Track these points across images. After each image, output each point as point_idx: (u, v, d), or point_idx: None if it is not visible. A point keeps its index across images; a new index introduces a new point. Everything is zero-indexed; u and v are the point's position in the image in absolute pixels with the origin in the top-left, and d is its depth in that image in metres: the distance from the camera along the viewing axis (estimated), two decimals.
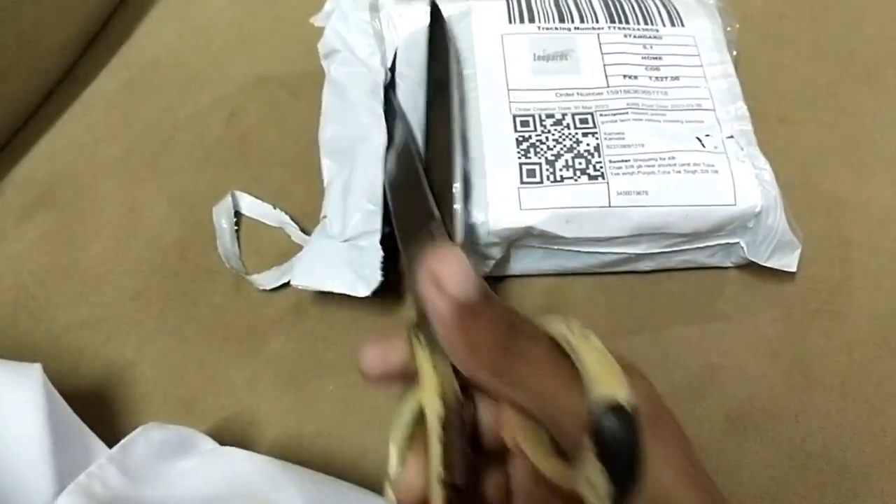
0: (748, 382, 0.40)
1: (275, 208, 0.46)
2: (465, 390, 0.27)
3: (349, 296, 0.43)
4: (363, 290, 0.40)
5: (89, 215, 0.47)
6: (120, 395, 0.41)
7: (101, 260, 0.45)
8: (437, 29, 0.46)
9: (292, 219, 0.45)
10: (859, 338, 0.42)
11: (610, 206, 0.40)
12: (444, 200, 0.38)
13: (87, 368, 0.42)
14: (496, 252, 0.42)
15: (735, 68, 0.46)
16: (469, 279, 0.24)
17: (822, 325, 0.42)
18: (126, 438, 0.32)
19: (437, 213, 0.36)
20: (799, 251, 0.42)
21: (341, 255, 0.41)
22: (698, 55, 0.45)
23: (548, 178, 0.41)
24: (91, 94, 0.52)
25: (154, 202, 0.47)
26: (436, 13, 0.46)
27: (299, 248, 0.44)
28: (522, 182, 0.41)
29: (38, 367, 0.34)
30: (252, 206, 0.46)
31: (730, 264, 0.43)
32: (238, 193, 0.46)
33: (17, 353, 0.41)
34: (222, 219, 0.45)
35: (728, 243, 0.42)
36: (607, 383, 0.23)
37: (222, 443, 0.36)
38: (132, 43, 0.55)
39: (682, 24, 0.46)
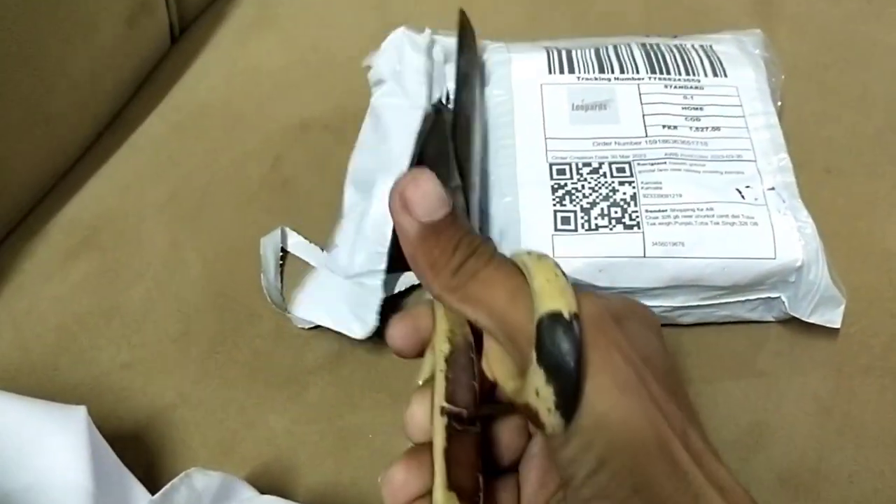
0: (798, 441, 0.39)
1: (322, 250, 0.46)
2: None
3: (385, 345, 0.43)
4: (359, 332, 0.40)
5: (133, 257, 0.47)
6: (159, 438, 0.41)
7: (143, 301, 0.45)
8: (465, 40, 0.46)
9: None
10: None
11: (645, 257, 0.40)
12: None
13: (127, 410, 0.42)
14: None
15: (780, 118, 0.46)
16: (434, 202, 0.27)
17: (874, 381, 0.41)
18: (169, 485, 0.32)
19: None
20: (843, 307, 0.41)
21: (343, 291, 0.41)
22: (741, 105, 0.45)
23: (583, 226, 0.41)
24: (139, 137, 0.53)
25: (198, 244, 0.48)
26: (463, 21, 0.47)
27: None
28: (557, 229, 0.41)
29: (82, 409, 0.34)
30: (298, 245, 0.47)
31: (772, 319, 0.43)
32: (287, 230, 0.47)
33: (58, 394, 0.41)
34: (269, 251, 0.45)
35: (769, 297, 0.41)
36: (552, 297, 0.25)
37: (260, 488, 0.36)
38: (181, 86, 0.55)
39: (725, 75, 0.46)
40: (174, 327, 0.44)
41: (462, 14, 0.47)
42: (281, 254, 0.46)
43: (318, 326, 0.43)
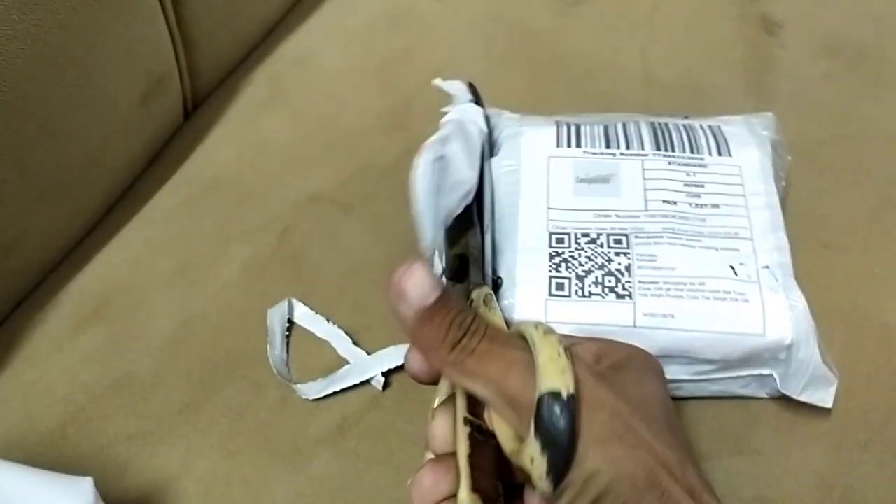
0: None
1: (328, 321, 0.47)
2: None
3: (392, 414, 0.43)
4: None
5: (142, 327, 0.48)
6: None
7: (151, 372, 0.46)
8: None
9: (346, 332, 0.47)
10: None
11: (635, 326, 0.41)
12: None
13: (131, 482, 0.42)
14: None
15: (784, 198, 0.47)
16: (425, 288, 0.30)
17: (873, 456, 0.41)
18: None
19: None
20: (835, 386, 0.41)
21: None
22: (742, 184, 0.46)
23: (576, 292, 0.42)
24: (151, 209, 0.54)
25: (205, 314, 0.48)
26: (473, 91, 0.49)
27: (345, 362, 0.45)
28: (551, 294, 0.42)
29: (89, 480, 0.35)
30: (305, 316, 0.48)
31: (765, 395, 0.43)
32: (294, 301, 0.48)
33: (63, 464, 0.42)
34: (275, 322, 0.46)
35: (761, 374, 0.42)
36: (553, 376, 0.28)
37: None
38: (193, 161, 0.57)
39: (730, 154, 0.47)
40: (180, 398, 0.45)
41: (472, 86, 0.50)
42: (287, 325, 0.47)
43: (322, 398, 0.44)
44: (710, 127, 0.49)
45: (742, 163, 0.47)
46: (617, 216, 0.45)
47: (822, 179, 0.53)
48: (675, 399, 0.43)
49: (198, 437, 0.43)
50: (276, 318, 0.46)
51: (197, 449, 0.43)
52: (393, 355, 0.45)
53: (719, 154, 0.47)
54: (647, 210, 0.45)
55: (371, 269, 0.50)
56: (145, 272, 0.51)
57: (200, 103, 0.61)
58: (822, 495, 0.40)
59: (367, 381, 0.44)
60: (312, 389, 0.44)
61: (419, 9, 0.66)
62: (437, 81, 0.50)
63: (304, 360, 0.46)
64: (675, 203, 0.45)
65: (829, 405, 0.42)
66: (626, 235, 0.44)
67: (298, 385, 0.44)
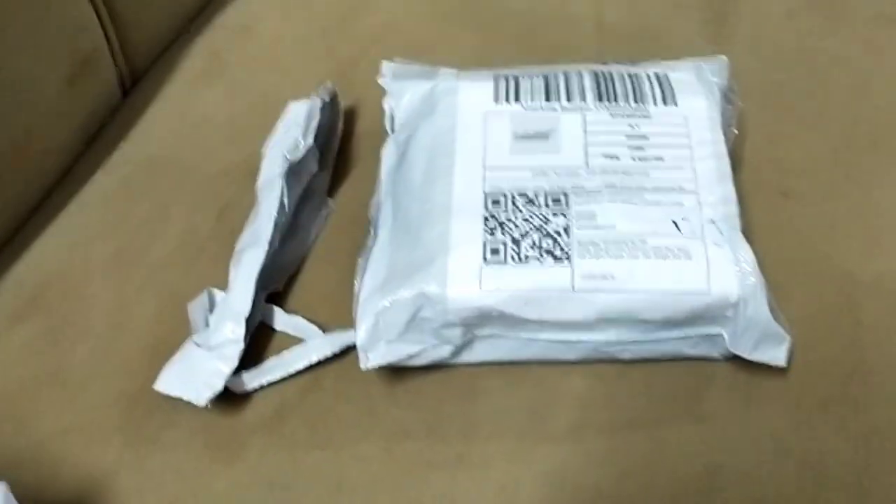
0: (756, 484, 0.38)
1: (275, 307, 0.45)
2: None
3: (332, 396, 0.42)
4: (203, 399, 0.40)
5: (78, 317, 0.46)
6: None
7: (87, 363, 0.44)
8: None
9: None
10: (877, 426, 0.39)
11: (573, 290, 0.39)
12: None
13: (68, 477, 0.41)
14: (456, 335, 0.40)
15: (736, 146, 0.45)
16: None
17: (834, 415, 0.40)
18: None
19: None
20: (788, 343, 0.40)
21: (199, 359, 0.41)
22: (687, 135, 0.44)
23: (512, 257, 0.40)
24: (88, 193, 0.52)
25: (143, 300, 0.47)
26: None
27: (278, 349, 0.43)
28: (485, 260, 0.40)
29: (3, 486, 0.33)
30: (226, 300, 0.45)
31: (717, 356, 0.41)
32: (213, 291, 0.46)
33: None
34: (198, 315, 0.44)
35: (710, 334, 0.40)
36: None
37: None
38: (131, 140, 0.55)
39: (676, 103, 0.45)
40: (117, 388, 0.43)
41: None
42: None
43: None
44: (656, 75, 0.47)
45: (688, 112, 0.44)
46: (556, 174, 0.43)
47: (782, 124, 0.51)
48: (623, 363, 0.42)
49: (132, 428, 0.42)
50: (197, 312, 0.44)
51: (132, 442, 0.41)
52: (346, 335, 0.43)
53: (665, 103, 0.45)
54: (587, 166, 0.43)
55: (315, 243, 0.48)
56: (82, 259, 0.49)
57: (139, 80, 0.59)
58: (779, 460, 0.38)
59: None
60: (242, 381, 0.42)
61: None
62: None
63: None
64: (616, 157, 0.43)
65: (782, 363, 0.40)
66: (566, 194, 0.42)
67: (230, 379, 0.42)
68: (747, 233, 0.45)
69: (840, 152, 0.49)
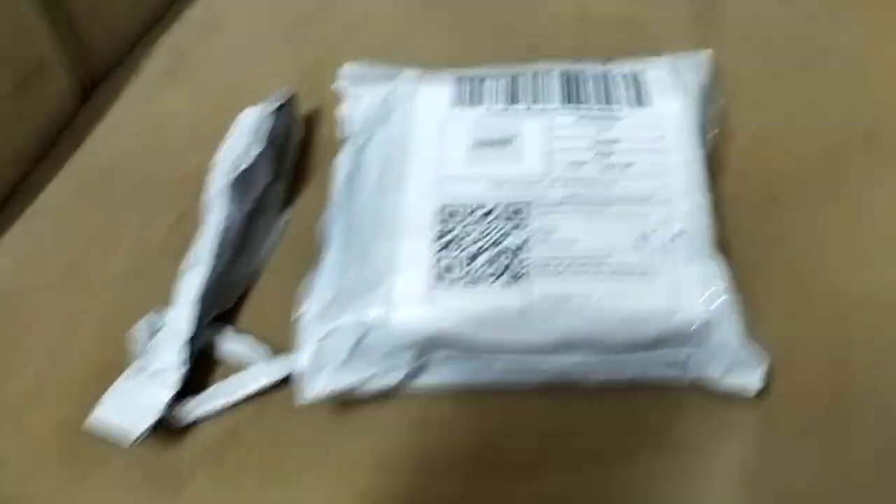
0: None
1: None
2: None
3: (277, 427, 0.40)
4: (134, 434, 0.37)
5: (25, 337, 0.44)
6: None
7: (29, 388, 0.42)
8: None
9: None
10: (862, 458, 0.36)
11: (529, 312, 0.36)
12: None
13: None
14: (406, 361, 0.38)
15: (716, 146, 0.42)
16: None
17: (814, 444, 0.36)
18: None
19: None
20: (763, 368, 0.36)
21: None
22: (660, 139, 0.40)
23: (465, 276, 0.37)
24: (42, 204, 0.50)
25: (91, 319, 0.44)
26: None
27: (225, 374, 0.41)
28: (436, 280, 0.37)
29: None
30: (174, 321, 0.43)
31: (689, 380, 0.38)
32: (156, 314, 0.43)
33: None
34: (141, 340, 0.42)
35: (677, 359, 0.37)
36: None
37: None
38: (87, 147, 0.53)
39: (650, 104, 0.42)
40: (57, 415, 0.41)
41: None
42: None
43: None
44: (630, 73, 0.43)
45: (662, 114, 0.41)
46: (516, 184, 0.40)
47: (772, 122, 0.47)
48: (586, 390, 0.39)
49: (69, 461, 0.40)
50: (140, 335, 0.42)
51: (70, 475, 0.39)
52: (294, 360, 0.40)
53: (638, 105, 0.42)
54: (550, 174, 0.40)
55: (270, 259, 0.46)
56: (32, 275, 0.47)
57: (100, 82, 0.57)
58: (755, 494, 0.35)
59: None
60: (184, 413, 0.40)
61: None
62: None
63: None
64: (582, 164, 0.40)
65: (755, 390, 0.37)
66: (525, 205, 0.39)
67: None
68: (729, 242, 0.42)
69: (832, 153, 0.45)
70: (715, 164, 0.44)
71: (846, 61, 0.49)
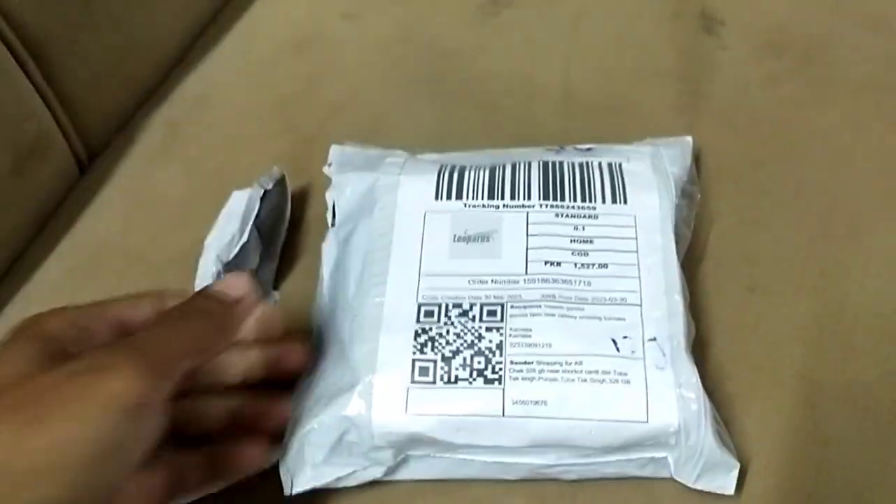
0: None
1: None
2: None
3: None
4: None
5: None
6: None
7: None
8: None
9: None
10: None
11: (504, 416, 0.36)
12: None
13: None
14: (387, 457, 0.38)
15: (703, 232, 0.43)
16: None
17: None
18: None
19: None
20: (736, 471, 0.36)
21: None
22: (635, 238, 0.40)
23: (441, 377, 0.37)
24: (34, 286, 0.51)
25: None
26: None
27: None
28: (413, 381, 0.37)
29: None
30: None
31: (667, 475, 0.38)
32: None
33: None
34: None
35: (654, 457, 0.37)
36: None
37: None
38: (81, 225, 0.53)
39: (625, 201, 0.42)
40: None
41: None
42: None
43: None
44: (609, 165, 0.43)
45: (638, 211, 0.41)
46: (494, 282, 0.40)
47: (756, 209, 0.47)
48: (564, 482, 0.39)
49: None
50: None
51: None
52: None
53: (613, 201, 0.42)
54: (527, 273, 0.40)
55: None
56: None
57: (97, 155, 0.57)
58: None
59: None
60: None
61: (326, 31, 0.62)
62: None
63: None
64: (558, 264, 0.40)
65: (729, 492, 0.37)
66: (502, 305, 0.39)
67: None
68: (708, 334, 0.42)
69: (816, 243, 0.45)
70: (694, 252, 0.45)
71: (831, 146, 0.49)
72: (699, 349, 0.41)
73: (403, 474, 0.39)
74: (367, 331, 0.39)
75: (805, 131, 0.50)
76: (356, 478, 0.39)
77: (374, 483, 0.40)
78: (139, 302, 0.37)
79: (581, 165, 0.44)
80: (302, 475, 0.38)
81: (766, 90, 0.53)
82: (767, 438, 0.39)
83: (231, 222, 0.47)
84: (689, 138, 0.46)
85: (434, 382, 0.37)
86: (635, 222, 0.41)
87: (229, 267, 0.45)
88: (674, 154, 0.44)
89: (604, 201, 0.42)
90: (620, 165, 0.43)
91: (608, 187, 0.42)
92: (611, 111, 0.53)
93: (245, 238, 0.46)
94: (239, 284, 0.37)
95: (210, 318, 0.35)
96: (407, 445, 0.38)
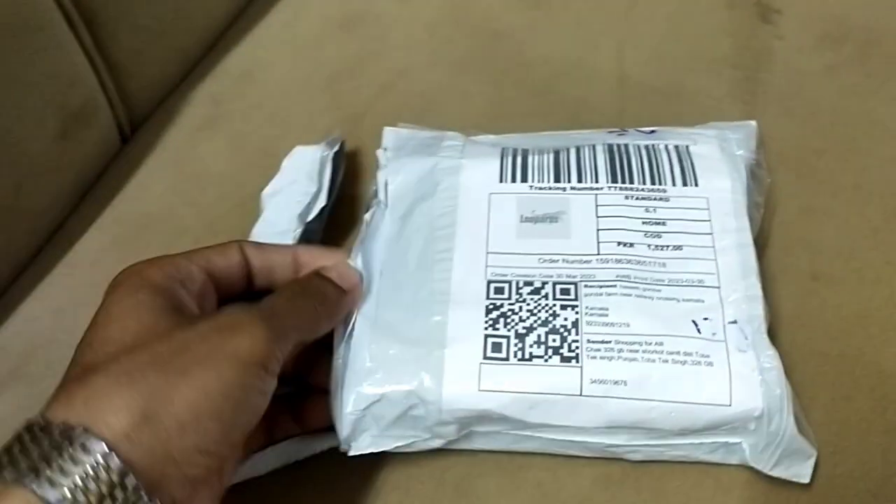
0: None
1: None
2: None
3: (312, 492, 0.39)
4: None
5: None
6: None
7: None
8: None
9: None
10: None
11: (581, 395, 0.36)
12: None
13: None
14: (451, 431, 0.37)
15: (766, 221, 0.42)
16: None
17: None
18: None
19: None
20: (813, 459, 0.36)
21: None
22: (709, 221, 0.40)
23: (515, 354, 0.37)
24: (77, 254, 0.50)
25: None
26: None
27: None
28: (486, 357, 0.37)
29: None
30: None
31: (736, 462, 0.37)
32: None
33: None
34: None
35: (728, 442, 0.36)
36: None
37: None
38: (125, 195, 0.53)
39: (696, 184, 0.41)
40: None
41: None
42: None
43: None
44: (676, 148, 0.43)
45: (710, 194, 0.41)
46: (565, 261, 0.39)
47: (817, 197, 0.47)
48: (628, 465, 0.39)
49: None
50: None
51: None
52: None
53: (684, 184, 0.41)
54: (599, 254, 0.39)
55: None
56: (67, 326, 0.47)
57: (139, 127, 0.56)
58: None
59: None
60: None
61: (376, 10, 0.61)
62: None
63: None
64: (631, 245, 0.39)
65: (805, 480, 0.36)
66: (575, 284, 0.38)
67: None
68: (773, 322, 0.41)
69: (880, 232, 0.45)
70: (759, 238, 0.44)
71: (892, 136, 0.49)
72: None
73: (463, 445, 0.39)
74: (435, 304, 0.39)
75: (865, 121, 0.50)
76: (415, 447, 0.38)
77: (431, 458, 0.39)
78: (226, 250, 0.38)
79: (647, 148, 0.43)
80: (360, 441, 0.38)
81: (825, 80, 0.52)
82: (834, 427, 0.39)
83: (300, 178, 0.46)
84: (754, 123, 0.45)
85: (507, 359, 0.37)
86: (708, 204, 0.40)
87: (310, 226, 0.45)
88: (740, 137, 0.44)
89: (674, 184, 0.41)
90: (688, 148, 0.43)
91: (677, 170, 0.42)
92: (668, 97, 0.52)
93: (324, 201, 0.46)
94: (351, 276, 0.38)
95: (325, 302, 0.37)
96: (474, 422, 0.37)
